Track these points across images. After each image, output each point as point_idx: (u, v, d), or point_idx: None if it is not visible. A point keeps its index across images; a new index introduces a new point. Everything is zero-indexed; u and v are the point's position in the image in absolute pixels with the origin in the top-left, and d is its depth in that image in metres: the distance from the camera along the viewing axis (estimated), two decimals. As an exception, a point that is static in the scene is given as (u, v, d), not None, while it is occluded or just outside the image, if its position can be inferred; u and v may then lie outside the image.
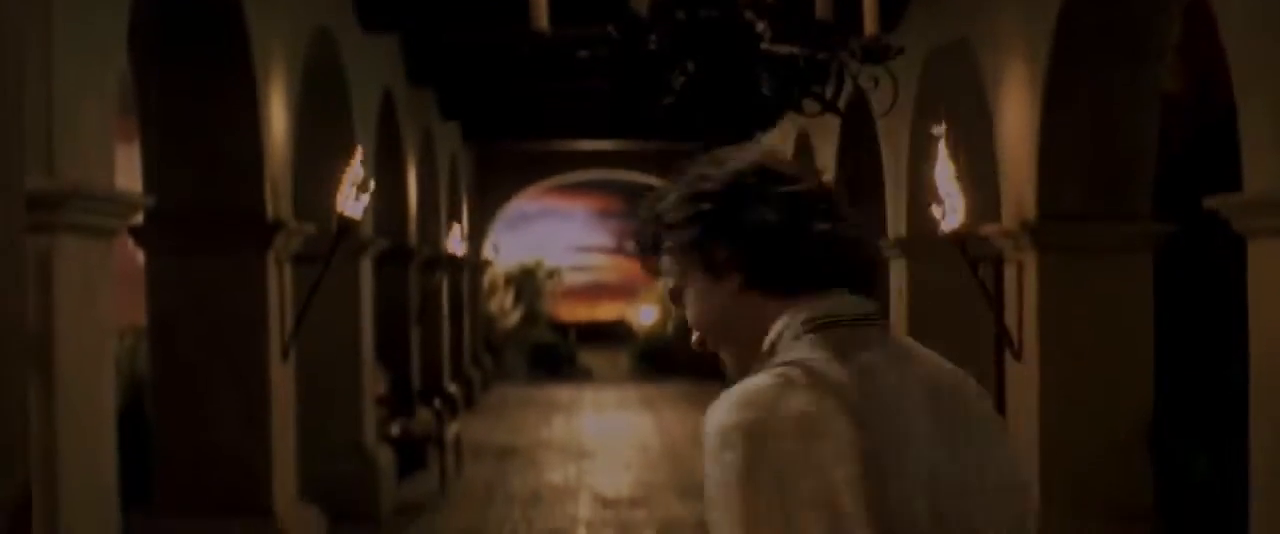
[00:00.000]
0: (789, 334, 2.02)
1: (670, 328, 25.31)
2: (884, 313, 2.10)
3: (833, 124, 12.65)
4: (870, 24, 4.77)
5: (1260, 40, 5.36)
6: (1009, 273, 8.32)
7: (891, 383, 1.97)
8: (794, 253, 2.02)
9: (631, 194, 27.66)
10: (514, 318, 27.11)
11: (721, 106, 4.38)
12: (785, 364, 1.96)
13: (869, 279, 2.10)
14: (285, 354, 7.96)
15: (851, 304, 2.04)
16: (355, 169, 8.07)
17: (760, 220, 2.01)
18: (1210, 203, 5.57)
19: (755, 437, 1.88)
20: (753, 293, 2.05)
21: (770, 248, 2.02)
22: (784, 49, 4.49)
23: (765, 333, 2.05)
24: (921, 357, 2.08)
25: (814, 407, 1.89)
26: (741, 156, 2.09)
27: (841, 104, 4.78)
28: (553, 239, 29.60)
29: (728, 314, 2.09)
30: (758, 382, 1.95)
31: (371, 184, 8.39)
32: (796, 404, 1.89)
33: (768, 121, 4.66)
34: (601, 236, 29.86)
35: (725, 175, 2.06)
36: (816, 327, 2.01)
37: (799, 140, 15.53)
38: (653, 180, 24.08)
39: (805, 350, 1.98)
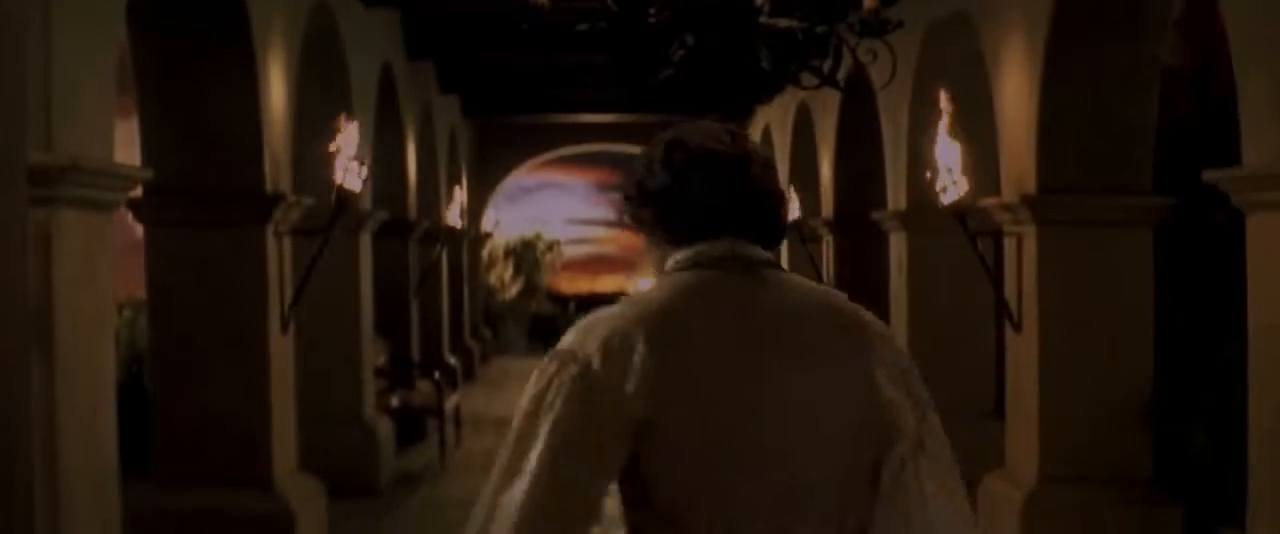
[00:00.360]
0: (668, 271, 2.46)
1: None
2: (760, 258, 2.46)
3: (833, 97, 12.65)
4: (869, -2, 4.77)
5: (1260, 17, 5.35)
6: (1008, 246, 8.33)
7: (717, 314, 2.35)
8: (676, 209, 2.46)
9: (630, 168, 27.67)
10: (513, 290, 27.13)
11: (720, 80, 4.38)
12: (628, 297, 2.45)
13: (758, 229, 2.46)
14: (285, 326, 7.97)
15: (719, 250, 2.42)
16: (349, 136, 8.05)
17: (655, 184, 2.47)
18: (1209, 176, 5.56)
19: (561, 359, 2.34)
20: (665, 241, 2.49)
21: (661, 205, 2.47)
22: (783, 22, 4.49)
23: None
24: (775, 295, 2.41)
25: (619, 334, 2.30)
26: (665, 133, 2.52)
27: (841, 79, 4.79)
28: (552, 212, 29.59)
29: (658, 259, 2.52)
30: (596, 312, 2.40)
31: (368, 157, 8.38)
32: (603, 334, 2.32)
33: (766, 95, 4.67)
34: (601, 209, 29.83)
35: (650, 150, 2.52)
36: (679, 266, 2.44)
37: (799, 112, 15.52)
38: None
39: (657, 285, 2.45)
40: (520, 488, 2.24)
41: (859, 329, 2.43)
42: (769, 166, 2.52)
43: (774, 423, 2.31)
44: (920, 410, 2.41)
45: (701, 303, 2.37)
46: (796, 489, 2.31)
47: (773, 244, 2.48)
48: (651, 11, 4.53)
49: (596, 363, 2.29)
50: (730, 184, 2.44)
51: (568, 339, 2.37)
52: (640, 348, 2.28)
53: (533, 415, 2.31)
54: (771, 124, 17.89)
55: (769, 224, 2.48)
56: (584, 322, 2.38)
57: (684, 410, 2.27)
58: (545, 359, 2.37)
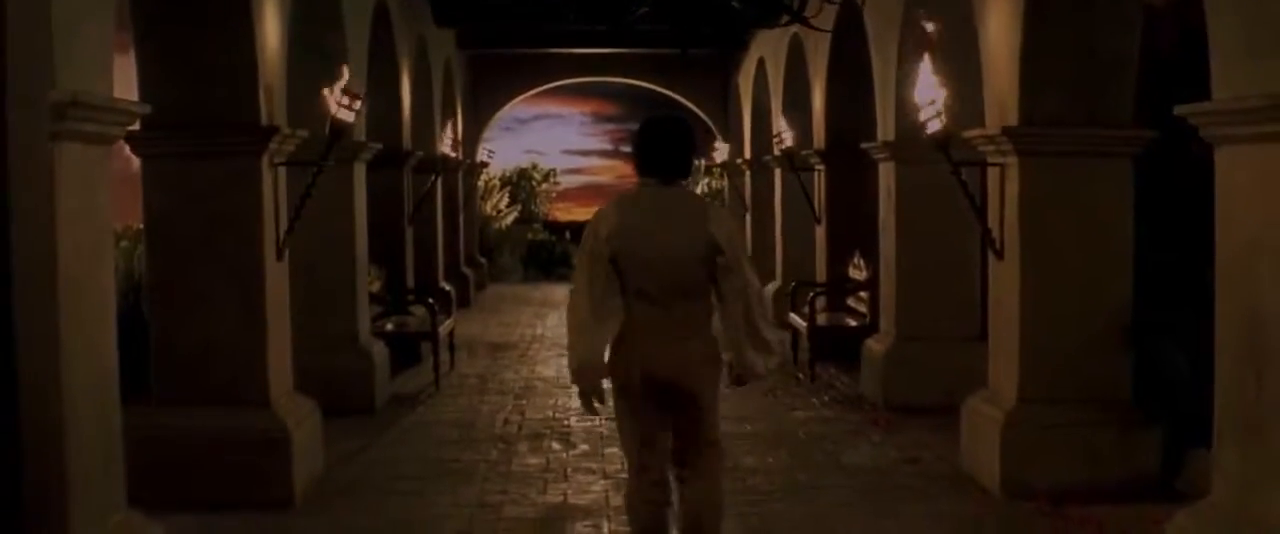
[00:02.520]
0: (637, 185, 5.70)
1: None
2: (669, 180, 5.69)
3: (827, 30, 12.69)
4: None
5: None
6: (992, 176, 8.45)
7: (644, 203, 5.65)
8: (636, 157, 5.70)
9: (626, 98, 27.64)
10: (509, 219, 27.26)
11: (693, 18, 4.51)
12: (620, 193, 5.78)
13: (670, 170, 5.65)
14: (280, 253, 8.09)
15: (652, 178, 5.65)
16: (345, 78, 8.17)
17: (632, 145, 5.80)
18: (1180, 111, 5.67)
19: (591, 221, 5.75)
20: (637, 171, 5.69)
21: (633, 154, 5.75)
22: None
23: None
24: (670, 195, 5.66)
25: (608, 208, 5.70)
26: (646, 117, 5.86)
27: (827, 22, 4.88)
28: (548, 143, 29.66)
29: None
30: (607, 203, 5.85)
31: (363, 89, 8.45)
32: (605, 208, 5.72)
33: (741, 32, 4.79)
34: (596, 140, 29.91)
35: (638, 126, 5.83)
36: (637, 185, 5.69)
37: (792, 44, 15.57)
38: (645, 85, 24.06)
39: (630, 191, 5.78)
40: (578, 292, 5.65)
41: (707, 213, 5.62)
42: (683, 140, 5.66)
43: (659, 249, 5.52)
44: (735, 246, 5.56)
45: (639, 197, 5.62)
46: (673, 277, 5.54)
47: (681, 176, 5.67)
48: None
49: (596, 227, 5.60)
50: (655, 149, 5.67)
51: (595, 214, 5.70)
52: (613, 217, 5.59)
53: (579, 257, 5.77)
54: (766, 57, 17.92)
55: (676, 169, 5.66)
56: (599, 210, 5.68)
57: (625, 244, 5.53)
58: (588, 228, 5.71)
